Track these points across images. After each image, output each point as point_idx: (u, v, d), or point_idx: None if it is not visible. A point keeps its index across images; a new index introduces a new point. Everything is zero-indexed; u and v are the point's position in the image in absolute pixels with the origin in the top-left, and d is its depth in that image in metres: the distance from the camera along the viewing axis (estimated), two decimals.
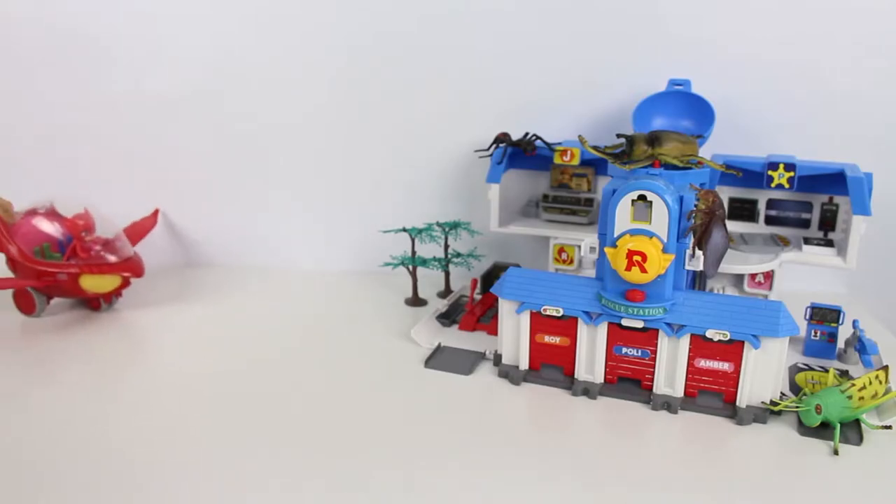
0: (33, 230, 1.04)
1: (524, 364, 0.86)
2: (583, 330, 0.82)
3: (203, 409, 0.79)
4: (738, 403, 0.77)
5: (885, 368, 0.78)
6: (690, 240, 0.77)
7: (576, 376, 0.83)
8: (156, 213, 1.23)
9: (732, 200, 1.02)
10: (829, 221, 0.98)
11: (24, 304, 1.04)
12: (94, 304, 1.07)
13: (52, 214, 1.06)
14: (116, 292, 1.05)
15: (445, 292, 1.12)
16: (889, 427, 0.74)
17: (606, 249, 0.77)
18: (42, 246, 1.02)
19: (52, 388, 0.85)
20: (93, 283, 1.01)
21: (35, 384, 0.86)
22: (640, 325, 0.78)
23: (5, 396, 0.82)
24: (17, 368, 0.90)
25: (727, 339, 0.75)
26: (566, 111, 1.10)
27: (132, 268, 1.03)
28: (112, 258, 1.01)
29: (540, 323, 0.84)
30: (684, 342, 0.78)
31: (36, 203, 1.07)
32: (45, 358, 0.92)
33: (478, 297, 1.04)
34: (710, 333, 0.76)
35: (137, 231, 1.18)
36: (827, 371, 0.82)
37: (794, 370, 0.87)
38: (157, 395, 0.83)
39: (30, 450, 0.72)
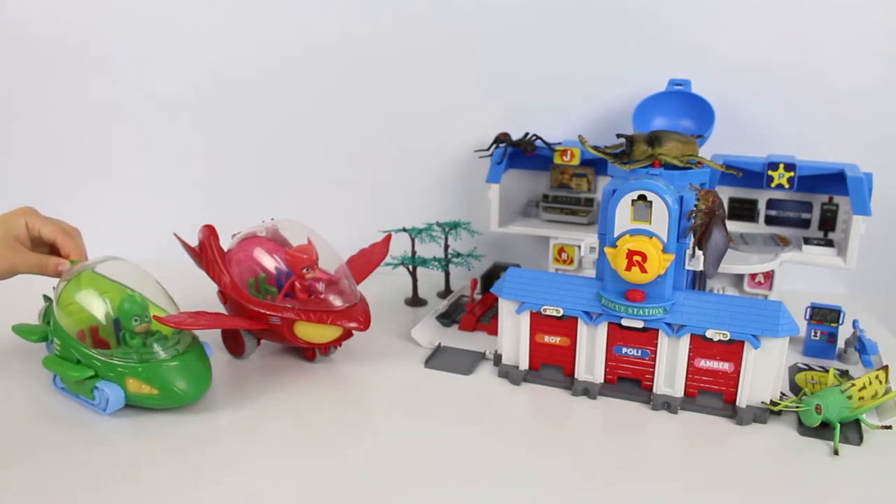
0: (250, 258, 0.89)
1: (524, 364, 0.86)
2: (583, 330, 0.82)
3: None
4: (738, 403, 0.77)
5: (885, 368, 0.78)
6: (690, 240, 0.76)
7: (576, 376, 0.83)
8: (387, 240, 1.01)
9: (732, 200, 1.02)
10: (829, 221, 0.98)
11: (232, 345, 0.91)
12: (308, 353, 0.90)
13: (273, 240, 0.90)
14: (336, 343, 0.87)
15: (445, 292, 1.12)
16: (889, 427, 0.74)
17: (606, 249, 0.77)
18: (258, 277, 0.89)
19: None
20: (309, 333, 0.83)
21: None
22: (640, 325, 0.78)
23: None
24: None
25: (727, 339, 0.75)
26: (566, 111, 1.10)
27: (357, 318, 0.83)
28: (336, 302, 0.84)
29: (540, 323, 0.84)
30: (684, 342, 0.78)
31: (256, 226, 0.92)
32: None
33: (478, 297, 1.04)
34: (710, 333, 0.76)
35: (365, 263, 0.97)
36: (827, 371, 0.82)
37: (794, 370, 0.87)
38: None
39: None
